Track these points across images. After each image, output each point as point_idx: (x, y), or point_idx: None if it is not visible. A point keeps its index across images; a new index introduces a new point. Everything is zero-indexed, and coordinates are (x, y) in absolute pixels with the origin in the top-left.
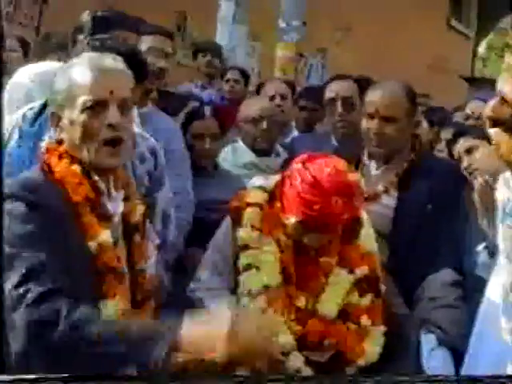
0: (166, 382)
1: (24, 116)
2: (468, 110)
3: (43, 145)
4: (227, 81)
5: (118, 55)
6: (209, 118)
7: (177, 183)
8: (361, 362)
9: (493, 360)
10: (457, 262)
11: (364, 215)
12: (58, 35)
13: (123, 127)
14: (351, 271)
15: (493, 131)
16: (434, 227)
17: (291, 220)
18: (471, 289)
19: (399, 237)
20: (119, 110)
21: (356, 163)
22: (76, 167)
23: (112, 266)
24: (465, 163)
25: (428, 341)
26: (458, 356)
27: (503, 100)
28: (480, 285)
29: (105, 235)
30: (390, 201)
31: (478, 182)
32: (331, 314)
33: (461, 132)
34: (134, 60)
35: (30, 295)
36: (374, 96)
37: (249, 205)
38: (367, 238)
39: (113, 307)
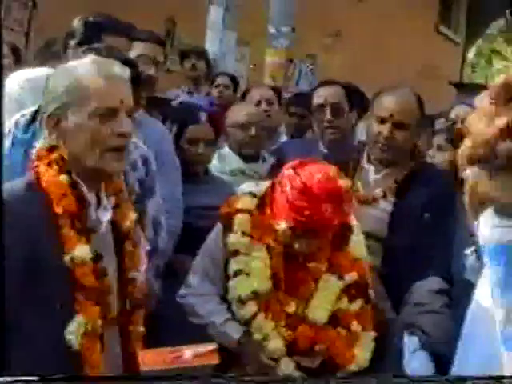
0: (166, 382)
1: (16, 123)
2: (453, 115)
3: (34, 151)
4: (217, 86)
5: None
6: (204, 124)
7: (166, 189)
8: (351, 367)
9: (481, 362)
10: (446, 271)
11: (354, 222)
12: (58, 43)
13: (130, 135)
14: (340, 277)
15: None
16: (428, 235)
17: (281, 226)
18: (459, 293)
19: (394, 241)
20: (126, 117)
21: (354, 167)
22: (63, 177)
23: (83, 284)
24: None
25: (411, 343)
26: (440, 360)
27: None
28: (468, 289)
29: (81, 250)
30: (386, 206)
31: (468, 184)
32: (321, 320)
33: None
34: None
35: None
36: (388, 101)
37: (239, 211)
38: (357, 245)
39: (77, 325)
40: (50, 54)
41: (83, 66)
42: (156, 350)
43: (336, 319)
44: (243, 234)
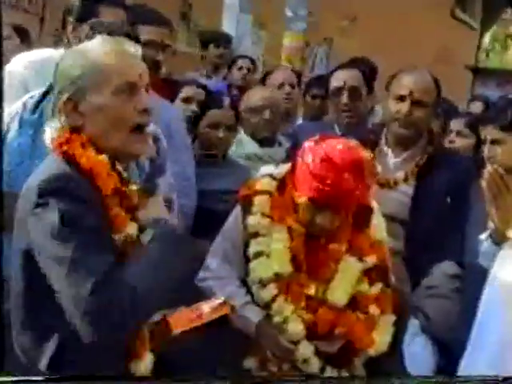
0: (166, 382)
1: (24, 104)
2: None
3: (50, 134)
4: (239, 68)
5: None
6: (226, 108)
7: (177, 169)
8: (370, 351)
9: (497, 342)
10: (460, 256)
11: (374, 204)
12: None
13: (151, 111)
14: (360, 259)
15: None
16: (448, 219)
17: (303, 198)
18: (471, 277)
19: (416, 224)
20: (145, 93)
21: (371, 150)
22: (103, 157)
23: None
24: (487, 152)
25: (411, 327)
26: (444, 345)
27: None
28: (480, 273)
29: (132, 228)
30: (408, 189)
31: (487, 170)
32: (341, 302)
33: (491, 119)
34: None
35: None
36: (407, 79)
37: (258, 192)
38: (377, 227)
39: None
40: None
41: (95, 47)
42: (179, 312)
43: (355, 303)
44: (263, 215)
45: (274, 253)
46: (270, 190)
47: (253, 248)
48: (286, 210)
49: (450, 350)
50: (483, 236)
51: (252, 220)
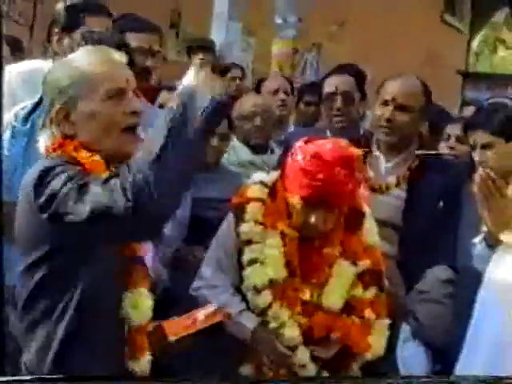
0: (166, 382)
1: (16, 115)
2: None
3: (44, 143)
4: (233, 78)
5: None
6: None
7: None
8: (367, 356)
9: (492, 343)
10: (453, 260)
11: (366, 208)
12: None
13: (141, 113)
14: (354, 263)
15: None
16: (441, 223)
17: (296, 198)
18: (465, 281)
19: (409, 229)
20: (134, 96)
21: (364, 155)
22: (98, 157)
23: (138, 255)
24: (478, 157)
25: (403, 332)
26: (437, 351)
27: None
28: (474, 277)
29: None
30: (400, 193)
31: (478, 174)
32: (336, 307)
33: (481, 123)
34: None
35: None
36: (392, 85)
37: (251, 200)
38: (370, 232)
39: (135, 297)
40: None
41: (82, 57)
42: (175, 319)
43: (350, 307)
44: (255, 222)
45: (268, 259)
46: (262, 197)
47: (246, 255)
48: (278, 215)
49: (443, 354)
50: (477, 239)
51: (245, 228)
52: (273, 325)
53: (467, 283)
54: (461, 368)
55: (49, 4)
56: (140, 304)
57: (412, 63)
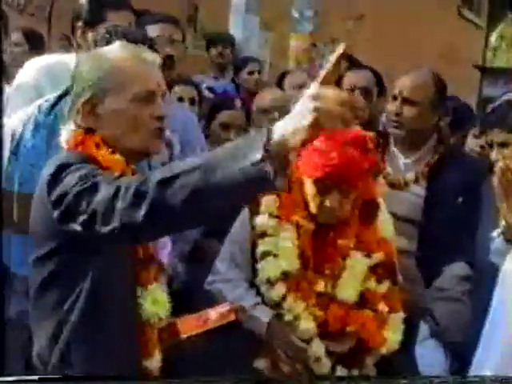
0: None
1: (39, 107)
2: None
3: (66, 135)
4: (251, 73)
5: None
6: (238, 110)
7: None
8: (382, 350)
9: (509, 341)
10: (471, 256)
11: (381, 200)
12: None
13: (166, 117)
14: (368, 255)
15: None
16: (460, 219)
17: (310, 180)
18: (482, 276)
19: (429, 225)
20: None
21: (382, 151)
22: (118, 156)
23: (151, 254)
24: (495, 155)
25: (422, 330)
26: (455, 349)
27: None
28: (491, 272)
29: None
30: (419, 190)
31: (498, 166)
32: (350, 299)
33: (496, 122)
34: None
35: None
36: (402, 79)
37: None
38: (384, 224)
39: (154, 293)
40: None
41: (116, 52)
42: (188, 317)
43: (364, 300)
44: (270, 215)
45: (282, 251)
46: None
47: (260, 248)
48: (294, 206)
49: (461, 353)
50: (495, 233)
51: (260, 220)
52: (288, 317)
53: (485, 280)
54: (475, 367)
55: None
56: (159, 299)
57: (429, 58)
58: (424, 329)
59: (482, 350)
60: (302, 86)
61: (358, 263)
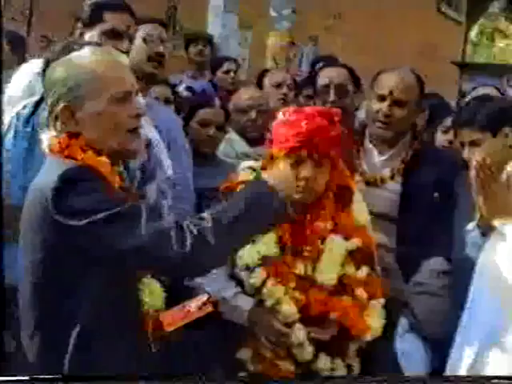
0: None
1: (18, 115)
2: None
3: (47, 141)
4: (226, 72)
5: None
6: (217, 107)
7: (178, 175)
8: (366, 337)
9: (486, 330)
10: (448, 251)
11: (354, 186)
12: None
13: (144, 114)
14: (346, 238)
15: None
16: (437, 214)
17: (282, 152)
18: (458, 269)
19: (406, 221)
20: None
21: (357, 148)
22: (103, 158)
23: None
24: (467, 155)
25: (401, 325)
26: (434, 343)
27: None
28: (467, 264)
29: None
30: (395, 186)
31: (475, 161)
32: (330, 282)
33: (466, 121)
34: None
35: None
36: (388, 79)
37: (239, 183)
38: (360, 211)
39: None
40: None
41: (88, 57)
42: (169, 311)
43: (342, 286)
44: None
45: (260, 237)
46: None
47: None
48: None
49: (440, 346)
50: (470, 226)
51: None
52: (269, 302)
53: (462, 274)
54: (453, 357)
55: (45, 1)
56: (155, 291)
57: (408, 55)
58: (404, 323)
59: (459, 341)
60: (281, 84)
61: (336, 245)
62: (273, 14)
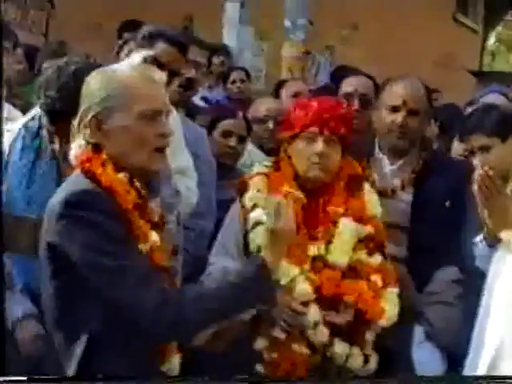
0: (165, 382)
1: (27, 127)
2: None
3: (76, 150)
4: (233, 82)
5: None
6: (240, 119)
7: (201, 190)
8: (381, 322)
9: (497, 343)
10: (461, 260)
11: (367, 184)
12: None
13: (171, 134)
14: (358, 221)
15: None
16: (448, 224)
17: (297, 130)
18: (470, 280)
19: (417, 231)
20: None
21: (367, 157)
22: (122, 175)
23: (162, 265)
24: (477, 161)
25: (417, 334)
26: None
27: None
28: (478, 276)
29: (154, 237)
30: (406, 196)
31: (477, 173)
32: (341, 263)
33: (475, 127)
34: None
35: None
36: (399, 89)
37: (253, 176)
38: (372, 203)
39: None
40: None
41: (125, 71)
42: None
43: (356, 271)
44: (259, 190)
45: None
46: (266, 172)
47: (251, 220)
48: (283, 180)
49: (455, 355)
50: (477, 238)
51: (249, 195)
52: (283, 280)
53: (475, 283)
54: (468, 369)
55: (62, 12)
56: None
57: (425, 63)
58: (419, 332)
59: (472, 352)
60: (298, 95)
61: (347, 228)
62: (287, 24)
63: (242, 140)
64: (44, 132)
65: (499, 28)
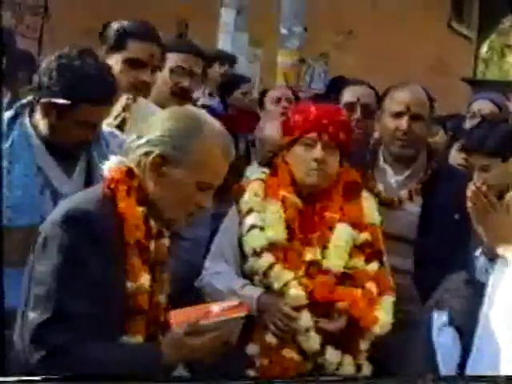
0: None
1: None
2: (475, 109)
3: (114, 162)
4: (245, 93)
5: None
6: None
7: None
8: (375, 329)
9: (496, 359)
10: (469, 272)
11: (367, 192)
12: None
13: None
14: (354, 227)
15: None
16: (456, 235)
17: (295, 145)
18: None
19: (425, 243)
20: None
21: (371, 168)
22: (140, 209)
23: (143, 309)
24: (478, 178)
25: (439, 319)
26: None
27: None
28: (479, 289)
29: (144, 279)
30: (414, 208)
31: (470, 190)
32: (336, 268)
33: (477, 145)
34: None
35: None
36: (402, 95)
37: (250, 182)
38: (370, 210)
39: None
40: None
41: (211, 134)
42: (186, 308)
43: (352, 278)
44: (256, 194)
45: (268, 223)
46: (262, 178)
47: (247, 222)
48: (279, 185)
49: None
50: (477, 252)
51: (245, 199)
52: (276, 285)
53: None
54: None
55: (56, 17)
56: None
57: (420, 71)
58: (439, 317)
59: (472, 364)
60: (280, 100)
61: (343, 233)
62: (283, 31)
63: (242, 160)
64: (14, 134)
65: (493, 36)
